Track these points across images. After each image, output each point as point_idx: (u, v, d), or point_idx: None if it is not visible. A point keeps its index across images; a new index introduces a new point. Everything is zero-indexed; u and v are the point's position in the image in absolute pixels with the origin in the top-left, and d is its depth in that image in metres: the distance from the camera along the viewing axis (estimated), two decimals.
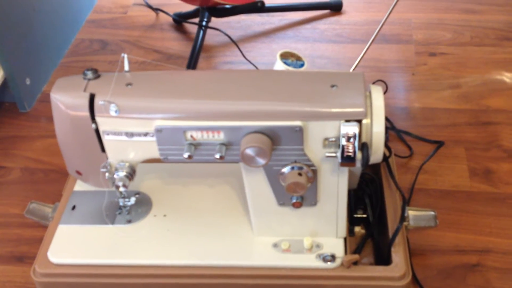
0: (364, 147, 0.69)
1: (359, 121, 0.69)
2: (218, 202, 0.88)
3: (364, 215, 0.89)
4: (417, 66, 1.29)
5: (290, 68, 0.80)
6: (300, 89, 0.71)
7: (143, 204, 0.88)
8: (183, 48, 1.37)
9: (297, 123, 0.69)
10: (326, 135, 0.70)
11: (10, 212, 1.01)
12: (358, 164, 0.70)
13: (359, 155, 0.69)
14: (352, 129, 0.68)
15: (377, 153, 0.70)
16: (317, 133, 0.70)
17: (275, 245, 0.81)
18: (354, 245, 0.87)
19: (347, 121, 0.69)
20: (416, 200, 0.98)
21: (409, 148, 1.08)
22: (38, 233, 0.96)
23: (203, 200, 0.88)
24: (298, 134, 0.70)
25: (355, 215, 0.89)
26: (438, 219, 0.85)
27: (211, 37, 1.37)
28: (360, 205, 0.90)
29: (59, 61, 1.34)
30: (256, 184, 0.77)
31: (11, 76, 1.16)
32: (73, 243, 0.82)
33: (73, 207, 0.87)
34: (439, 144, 1.08)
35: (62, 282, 0.81)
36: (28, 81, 1.20)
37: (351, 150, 0.69)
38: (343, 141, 0.68)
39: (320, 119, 0.69)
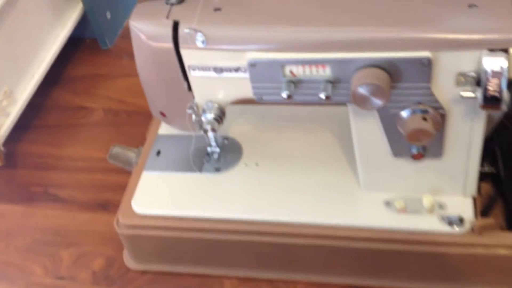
0: None
1: (506, 51, 0.54)
2: (317, 151, 0.76)
3: (494, 170, 0.74)
4: None
5: None
6: (428, 11, 0.56)
7: (233, 151, 0.78)
8: None
9: (425, 54, 0.55)
10: (461, 69, 0.56)
11: (93, 156, 0.96)
12: (504, 106, 0.55)
13: (506, 95, 0.54)
14: (498, 61, 0.53)
15: None
16: (450, 67, 0.56)
17: (388, 203, 0.68)
18: (480, 206, 0.72)
19: (490, 50, 0.54)
20: None
21: None
22: (123, 179, 0.90)
23: (300, 148, 0.77)
24: (425, 68, 0.56)
25: (482, 170, 0.74)
26: None
27: None
28: (488, 158, 0.75)
29: None
30: (367, 130, 0.64)
31: (91, 9, 1.09)
32: (158, 192, 0.75)
33: (158, 152, 0.80)
34: None
35: (147, 235, 0.74)
36: (108, 15, 1.13)
37: (497, 89, 0.54)
38: (487, 77, 0.54)
39: (455, 48, 0.55)
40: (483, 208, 0.72)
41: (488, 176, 0.74)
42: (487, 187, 0.74)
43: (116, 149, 0.84)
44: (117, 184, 0.90)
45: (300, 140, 0.78)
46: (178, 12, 0.62)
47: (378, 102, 0.57)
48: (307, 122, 0.80)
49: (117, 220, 0.75)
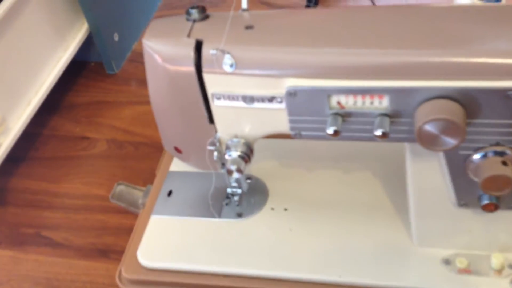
0: None
1: None
2: (357, 195, 0.65)
3: None
4: None
5: (481, 3, 0.54)
6: (509, 32, 0.46)
7: (257, 192, 0.68)
8: None
9: (510, 83, 0.44)
10: None
11: (93, 193, 0.85)
12: None
13: None
14: None
15: None
16: None
17: (446, 262, 0.57)
18: None
19: None
20: None
21: None
22: (126, 220, 0.80)
23: (336, 191, 0.66)
24: (510, 101, 0.45)
25: None
26: None
27: None
28: None
29: (152, 15, 1.17)
30: (428, 175, 0.53)
31: (97, 30, 1.01)
32: (169, 241, 0.64)
33: (169, 193, 0.70)
34: None
35: None
36: (116, 37, 1.05)
37: None
38: None
39: None
40: None
41: None
42: None
43: (121, 188, 0.74)
44: (119, 227, 0.79)
45: (336, 180, 0.67)
46: (201, 30, 0.52)
47: (450, 142, 0.46)
48: (344, 159, 0.69)
49: (120, 273, 0.64)
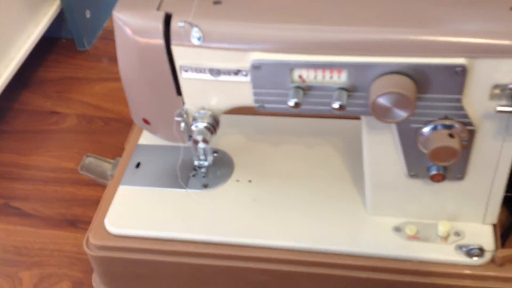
0: None
1: None
2: (318, 168, 0.69)
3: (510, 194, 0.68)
4: None
5: None
6: (464, 12, 0.50)
7: (223, 165, 0.70)
8: None
9: (460, 60, 0.48)
10: (498, 80, 0.49)
11: (62, 166, 0.86)
12: None
13: None
14: None
15: None
16: (485, 77, 0.49)
17: (397, 229, 0.61)
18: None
19: None
20: None
21: None
22: (95, 192, 0.82)
23: (298, 164, 0.69)
24: (458, 77, 0.49)
25: None
26: None
27: None
28: None
29: None
30: (382, 147, 0.57)
31: (69, 7, 1.02)
32: (136, 210, 0.66)
33: (138, 165, 0.71)
34: None
35: (122, 257, 0.64)
36: (88, 14, 1.05)
37: None
38: None
39: (494, 55, 0.48)
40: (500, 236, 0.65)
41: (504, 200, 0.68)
42: (502, 211, 0.68)
43: (90, 159, 0.75)
44: (88, 199, 0.82)
45: (299, 155, 0.70)
46: (171, 4, 0.54)
47: (401, 114, 0.49)
48: (307, 135, 0.72)
49: (87, 240, 0.66)
